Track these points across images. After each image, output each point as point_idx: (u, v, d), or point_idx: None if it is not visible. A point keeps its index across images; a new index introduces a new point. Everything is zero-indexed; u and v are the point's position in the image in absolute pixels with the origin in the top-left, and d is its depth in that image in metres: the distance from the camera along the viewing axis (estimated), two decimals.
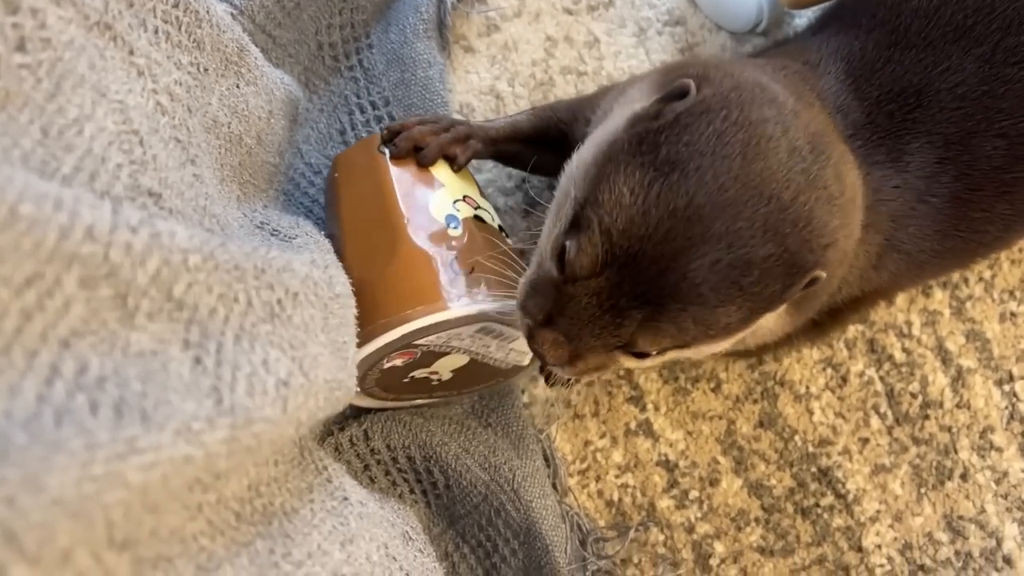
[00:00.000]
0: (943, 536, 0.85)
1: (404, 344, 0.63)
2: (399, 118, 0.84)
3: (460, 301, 0.63)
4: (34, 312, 0.31)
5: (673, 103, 0.55)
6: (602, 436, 0.85)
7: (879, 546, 0.84)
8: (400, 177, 0.70)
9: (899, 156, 0.69)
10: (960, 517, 0.85)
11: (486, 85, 0.90)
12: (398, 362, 0.66)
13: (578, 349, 0.56)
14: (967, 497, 0.85)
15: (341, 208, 0.71)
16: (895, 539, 0.85)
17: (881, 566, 0.84)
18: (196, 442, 0.34)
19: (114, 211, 0.35)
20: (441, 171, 0.72)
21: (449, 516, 0.77)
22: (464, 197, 0.71)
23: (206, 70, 0.57)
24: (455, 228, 0.68)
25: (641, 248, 0.52)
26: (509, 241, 0.73)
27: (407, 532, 0.64)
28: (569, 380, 0.66)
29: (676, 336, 0.54)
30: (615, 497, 0.84)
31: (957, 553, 0.85)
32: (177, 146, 0.49)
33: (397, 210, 0.67)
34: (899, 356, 0.87)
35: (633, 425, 0.85)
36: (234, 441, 0.37)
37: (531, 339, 0.58)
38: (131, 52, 0.46)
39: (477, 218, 0.70)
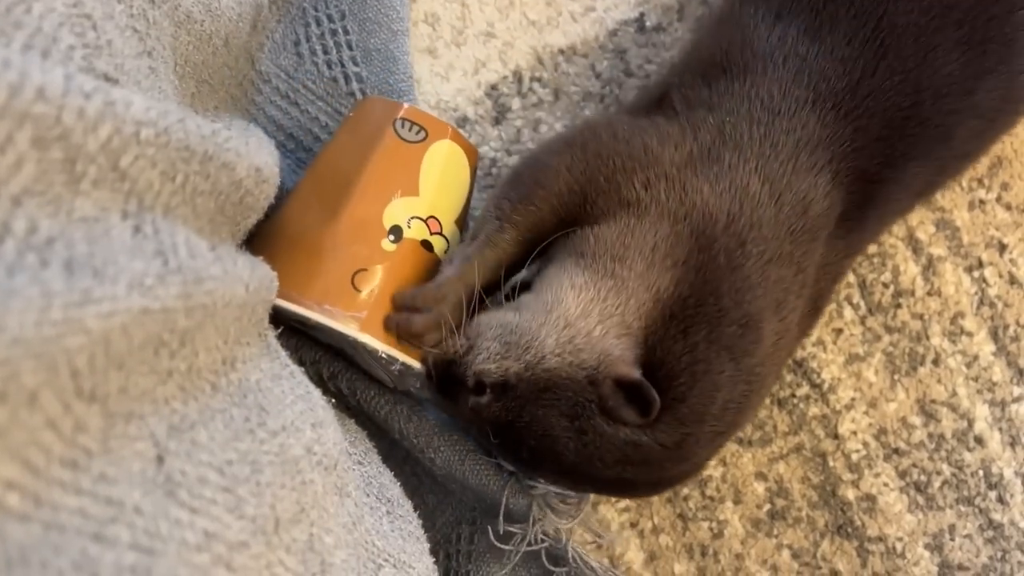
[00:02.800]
0: (916, 420, 0.87)
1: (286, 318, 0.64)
2: (353, 32, 0.84)
3: (324, 311, 0.62)
4: None
5: (625, 412, 0.59)
6: None
7: (855, 432, 0.86)
8: (388, 162, 0.66)
9: (866, 216, 0.69)
10: (933, 401, 0.87)
11: None
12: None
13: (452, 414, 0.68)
14: (939, 381, 0.87)
15: (327, 148, 0.70)
16: (870, 425, 0.87)
17: (857, 451, 0.86)
18: (150, 295, 0.35)
19: (67, 76, 0.35)
20: (430, 178, 0.67)
21: (378, 429, 0.78)
22: (429, 218, 0.67)
23: None
24: (391, 242, 0.65)
25: (523, 460, 0.64)
26: None
27: (345, 448, 0.65)
28: None
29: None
30: None
31: (930, 435, 0.87)
32: (134, 36, 0.49)
33: (358, 190, 0.65)
34: (870, 247, 0.88)
35: None
36: (188, 297, 0.37)
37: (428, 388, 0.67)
38: None
39: (425, 244, 0.67)
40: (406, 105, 0.68)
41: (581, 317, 0.61)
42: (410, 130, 0.67)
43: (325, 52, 0.83)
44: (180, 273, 0.38)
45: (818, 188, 0.65)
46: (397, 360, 0.64)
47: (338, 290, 0.62)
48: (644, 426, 0.58)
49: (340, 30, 0.84)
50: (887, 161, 0.66)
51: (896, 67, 0.65)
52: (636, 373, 0.59)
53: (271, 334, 0.56)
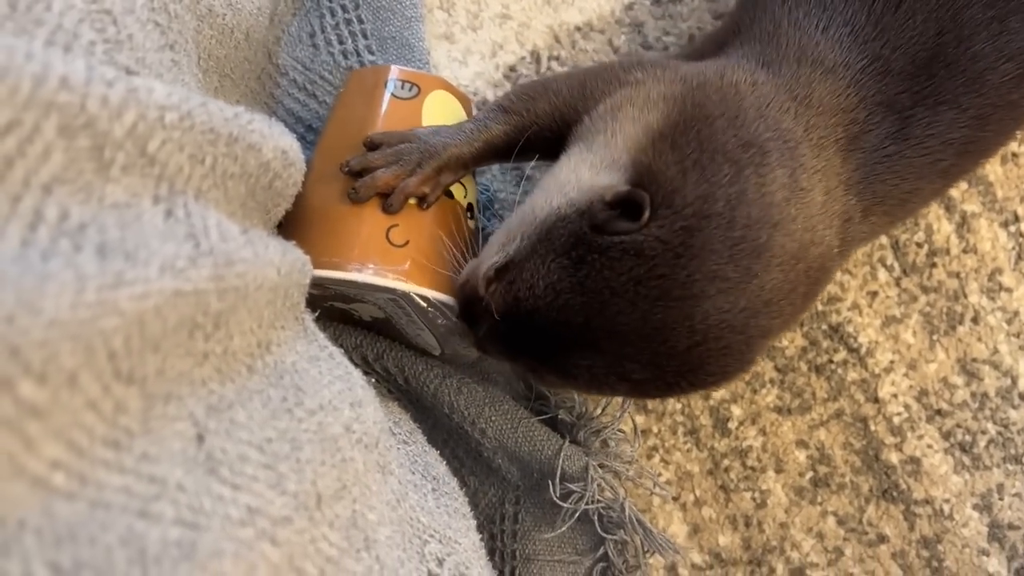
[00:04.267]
0: (958, 380, 0.86)
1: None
2: (368, 21, 0.84)
3: (368, 270, 0.62)
4: (15, 158, 0.32)
5: (618, 223, 0.54)
6: None
7: (895, 395, 0.85)
8: (391, 119, 0.68)
9: (902, 153, 0.66)
10: (974, 359, 0.86)
11: None
12: (313, 291, 0.65)
13: (483, 349, 0.63)
14: (979, 339, 0.86)
15: (329, 124, 0.71)
16: (910, 387, 0.86)
17: (898, 414, 0.85)
18: (182, 277, 0.35)
19: (88, 66, 0.36)
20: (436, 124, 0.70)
21: (421, 408, 0.79)
22: None
23: None
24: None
25: (537, 331, 0.57)
26: (470, 223, 0.71)
27: (390, 427, 0.65)
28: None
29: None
30: None
31: (973, 395, 0.85)
32: (156, 29, 0.49)
33: None
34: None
35: None
36: (220, 280, 0.38)
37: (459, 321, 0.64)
38: None
39: (446, 191, 0.69)
40: (394, 66, 0.71)
41: (572, 172, 0.61)
42: (403, 88, 0.70)
43: (340, 42, 0.83)
44: (211, 255, 0.38)
45: (826, 83, 0.64)
46: (443, 310, 0.65)
47: (376, 248, 0.63)
48: (641, 228, 0.53)
49: (355, 19, 0.84)
50: (917, 99, 0.64)
51: (919, 6, 0.64)
52: (623, 187, 0.56)
53: (308, 317, 0.56)
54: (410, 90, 0.70)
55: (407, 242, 0.64)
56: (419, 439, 0.70)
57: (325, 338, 0.56)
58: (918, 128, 0.65)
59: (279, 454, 0.39)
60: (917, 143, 0.65)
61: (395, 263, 0.63)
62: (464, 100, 0.74)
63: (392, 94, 0.69)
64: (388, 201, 0.64)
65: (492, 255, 0.61)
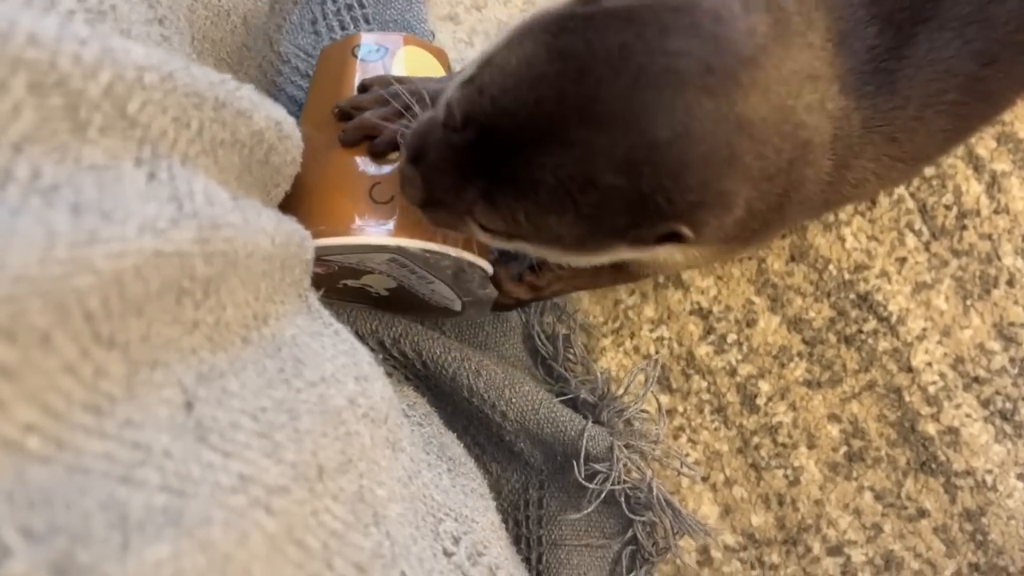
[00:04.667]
0: (995, 345, 0.82)
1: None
2: (369, 5, 0.83)
3: (360, 230, 0.61)
4: None
5: None
6: (631, 293, 0.84)
7: (929, 364, 0.82)
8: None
9: (902, 71, 0.62)
10: (1011, 324, 0.82)
11: None
12: (318, 270, 0.64)
13: (430, 196, 0.56)
14: (1016, 303, 0.83)
15: (307, 103, 0.70)
16: (945, 355, 0.82)
17: (934, 383, 0.82)
18: (163, 238, 0.33)
19: (60, 24, 0.34)
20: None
21: (440, 394, 0.77)
22: None
23: None
24: (392, 152, 0.65)
25: (500, 121, 0.50)
26: None
27: (403, 409, 0.64)
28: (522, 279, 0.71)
29: (509, 224, 0.54)
30: (652, 351, 0.83)
31: (1012, 360, 0.82)
32: (143, 2, 0.48)
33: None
34: (928, 169, 0.84)
35: (661, 278, 0.84)
36: (205, 243, 0.36)
37: (401, 174, 0.58)
38: None
39: None
40: (358, 34, 0.70)
41: None
42: (371, 51, 0.68)
43: (343, 28, 0.82)
44: (195, 218, 0.37)
45: None
46: (443, 251, 0.62)
47: (363, 210, 0.61)
48: (624, 5, 0.49)
49: (355, 4, 0.83)
50: (918, 19, 0.62)
51: None
52: None
53: (313, 296, 0.54)
54: (378, 52, 0.68)
55: (392, 198, 0.62)
56: (435, 421, 0.68)
57: (331, 316, 0.55)
58: (919, 49, 0.62)
59: (275, 423, 0.38)
60: (918, 66, 0.62)
61: (382, 220, 0.61)
62: (438, 53, 0.72)
63: (360, 59, 0.68)
64: (375, 142, 0.62)
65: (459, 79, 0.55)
